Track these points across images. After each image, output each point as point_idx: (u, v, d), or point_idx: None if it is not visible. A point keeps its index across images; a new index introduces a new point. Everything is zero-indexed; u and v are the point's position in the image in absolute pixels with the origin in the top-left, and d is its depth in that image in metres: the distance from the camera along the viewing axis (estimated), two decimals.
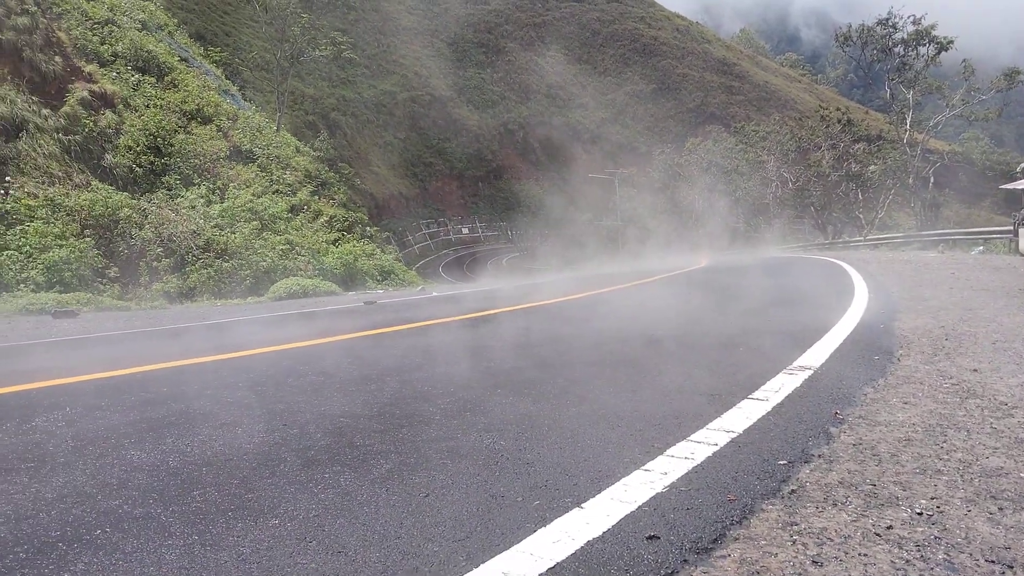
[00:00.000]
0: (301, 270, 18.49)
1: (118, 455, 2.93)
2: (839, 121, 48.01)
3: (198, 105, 23.73)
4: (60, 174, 16.60)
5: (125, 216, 16.44)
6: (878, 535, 1.96)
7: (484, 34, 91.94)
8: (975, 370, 4.20)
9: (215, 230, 18.04)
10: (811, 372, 4.26)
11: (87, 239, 15.21)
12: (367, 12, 76.31)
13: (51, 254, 14.11)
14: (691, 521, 2.09)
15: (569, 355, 5.39)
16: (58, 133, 17.39)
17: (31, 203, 15.16)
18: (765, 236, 54.20)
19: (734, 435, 2.98)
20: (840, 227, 48.57)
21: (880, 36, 39.90)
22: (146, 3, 29.23)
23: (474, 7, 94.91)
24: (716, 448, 2.80)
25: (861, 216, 43.65)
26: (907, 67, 39.54)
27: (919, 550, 1.86)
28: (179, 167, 20.56)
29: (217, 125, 23.75)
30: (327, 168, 31.33)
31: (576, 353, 5.50)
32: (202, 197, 19.66)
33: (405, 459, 2.78)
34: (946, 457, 2.64)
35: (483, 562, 1.84)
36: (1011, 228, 22.13)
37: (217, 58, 36.85)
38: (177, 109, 22.69)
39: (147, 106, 21.49)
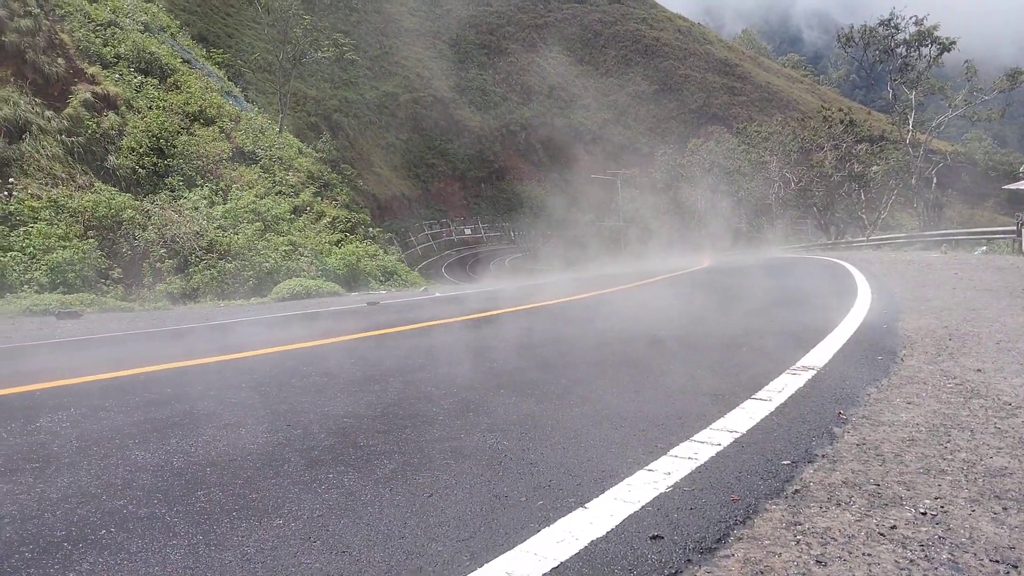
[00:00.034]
0: (304, 271, 18.51)
1: (122, 455, 2.93)
2: (841, 122, 47.98)
3: (201, 107, 23.78)
4: (63, 175, 16.64)
5: (128, 217, 16.48)
6: (882, 535, 1.96)
7: (486, 35, 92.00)
8: (979, 370, 4.20)
9: (218, 231, 18.07)
10: (814, 372, 4.26)
11: (90, 240, 15.24)
12: (369, 14, 76.37)
13: (55, 255, 14.14)
14: (695, 521, 2.09)
15: (572, 355, 5.39)
16: (61, 135, 17.44)
17: (35, 204, 15.20)
18: (768, 237, 54.17)
19: (738, 435, 2.98)
20: (843, 227, 48.53)
21: (882, 37, 39.85)
22: (148, 5, 29.31)
23: (476, 8, 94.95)
24: (720, 448, 2.79)
25: (864, 216, 43.58)
26: (909, 68, 39.48)
27: (923, 550, 1.86)
28: (182, 168, 20.60)
29: (220, 126, 23.79)
30: (329, 169, 31.38)
31: (579, 353, 5.50)
32: (205, 198, 19.69)
33: (409, 459, 2.78)
34: (950, 457, 2.63)
35: (487, 562, 1.84)
36: (1014, 228, 22.08)
37: (219, 60, 36.91)
38: (180, 111, 22.74)
39: (150, 108, 21.54)
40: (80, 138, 17.85)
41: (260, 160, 24.04)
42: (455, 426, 3.30)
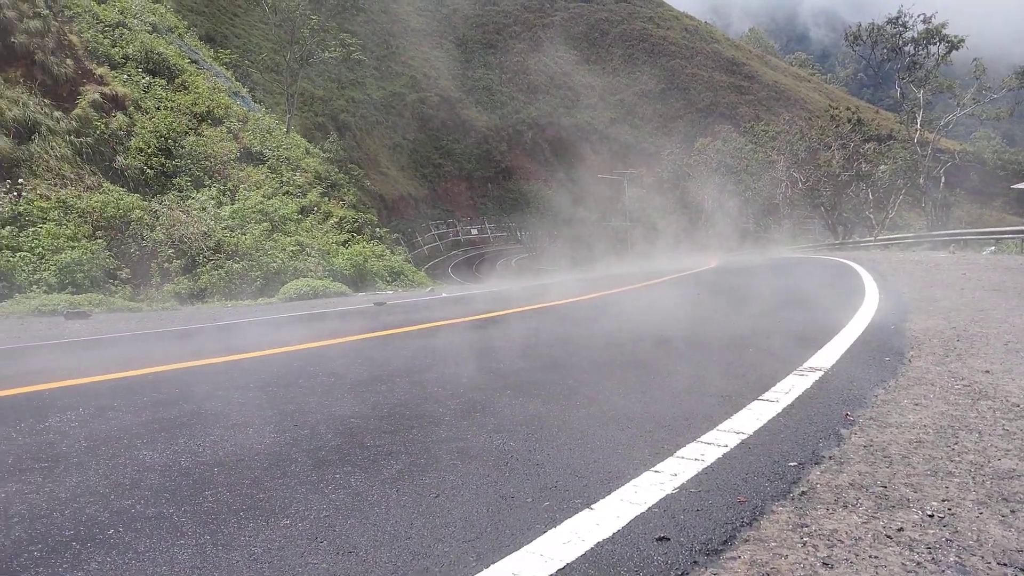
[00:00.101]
0: (311, 271, 18.55)
1: (131, 455, 2.95)
2: (849, 121, 47.77)
3: (208, 107, 23.85)
4: (72, 176, 16.72)
5: (136, 218, 16.54)
6: (889, 537, 1.96)
7: (492, 35, 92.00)
8: (987, 371, 4.18)
9: (226, 231, 18.13)
10: (822, 373, 4.25)
11: (99, 240, 15.31)
12: (376, 14, 76.40)
13: (63, 255, 14.21)
14: (701, 522, 2.09)
15: (578, 356, 5.40)
16: (70, 135, 17.52)
17: (43, 205, 15.27)
18: (775, 236, 54.03)
19: (744, 436, 2.97)
20: (850, 227, 48.34)
21: (890, 35, 39.73)
22: (156, 6, 29.42)
23: (482, 8, 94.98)
24: (726, 449, 2.79)
25: (871, 216, 43.42)
26: (917, 66, 39.33)
27: (930, 552, 1.86)
28: (190, 169, 20.67)
29: (227, 127, 23.86)
30: (337, 169, 31.39)
31: (585, 354, 5.50)
32: (213, 199, 19.76)
33: (415, 460, 2.79)
34: (957, 459, 2.63)
35: (493, 563, 1.85)
36: (1023, 228, 21.96)
37: (227, 60, 36.97)
38: (187, 111, 22.82)
39: (158, 108, 21.62)
40: (88, 139, 17.93)
41: (267, 160, 24.10)
42: (462, 427, 3.30)
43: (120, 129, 19.16)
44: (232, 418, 3.58)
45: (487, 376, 4.60)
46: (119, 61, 21.95)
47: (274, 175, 23.55)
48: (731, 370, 4.55)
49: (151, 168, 19.42)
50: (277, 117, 33.02)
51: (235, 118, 24.81)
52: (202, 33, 40.69)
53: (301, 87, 41.13)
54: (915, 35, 39.00)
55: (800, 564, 1.81)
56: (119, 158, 18.58)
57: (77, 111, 18.24)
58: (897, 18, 39.31)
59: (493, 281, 32.52)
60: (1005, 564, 1.78)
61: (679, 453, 2.76)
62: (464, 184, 70.59)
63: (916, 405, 3.48)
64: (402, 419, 3.48)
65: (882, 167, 43.45)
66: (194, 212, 18.29)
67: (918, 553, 1.85)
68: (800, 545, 1.92)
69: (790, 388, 3.88)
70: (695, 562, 1.84)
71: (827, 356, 4.82)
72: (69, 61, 19.07)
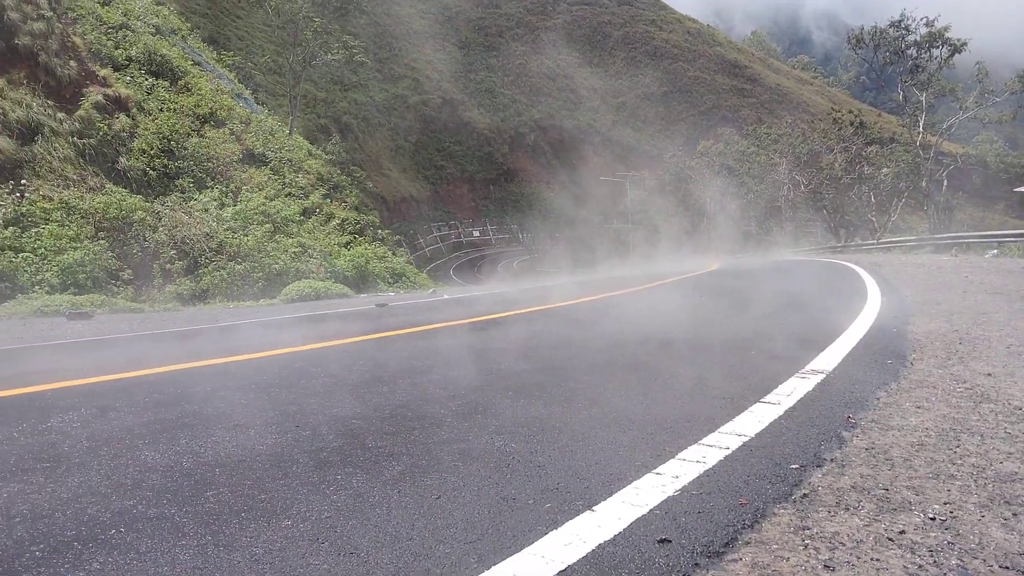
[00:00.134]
0: (313, 272, 18.56)
1: (132, 456, 2.95)
2: (851, 124, 47.75)
3: (211, 109, 23.88)
4: (75, 177, 16.75)
5: (139, 219, 16.56)
6: (891, 540, 1.96)
7: (495, 37, 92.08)
8: (989, 374, 4.18)
9: (228, 233, 18.15)
10: (823, 376, 4.25)
11: (101, 241, 15.32)
12: (378, 16, 76.51)
13: (66, 256, 14.23)
14: (702, 525, 2.09)
15: (580, 358, 5.39)
16: (73, 136, 17.55)
17: (46, 206, 15.30)
18: (777, 239, 54.03)
19: (746, 439, 2.97)
20: (853, 230, 48.32)
21: (893, 38, 39.67)
22: (160, 8, 29.46)
23: (485, 10, 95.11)
24: (728, 452, 2.79)
25: (874, 219, 43.37)
26: (920, 69, 39.27)
27: (932, 555, 1.86)
28: (192, 170, 20.68)
29: (230, 128, 23.89)
30: (339, 171, 31.43)
31: (587, 356, 5.50)
32: (215, 200, 19.77)
33: (417, 461, 2.79)
34: (959, 462, 2.62)
35: (494, 564, 1.85)
36: None
37: (230, 62, 37.03)
38: (190, 113, 22.85)
39: (161, 110, 21.65)
40: (91, 140, 17.96)
41: (270, 162, 24.13)
42: (463, 428, 3.31)
43: (123, 130, 19.19)
44: (234, 419, 3.58)
45: (488, 378, 4.60)
46: (122, 63, 21.98)
47: (276, 177, 23.58)
48: (733, 372, 4.55)
49: (154, 169, 19.44)
50: (279, 119, 33.06)
51: (238, 120, 24.84)
52: (205, 35, 40.75)
53: (303, 89, 41.15)
54: (918, 38, 38.94)
55: (801, 566, 1.80)
56: (122, 159, 18.61)
57: (80, 112, 18.27)
58: (900, 21, 39.27)
59: (495, 283, 32.52)
60: (1007, 567, 1.78)
61: (680, 455, 2.76)
62: (466, 186, 70.61)
63: (918, 408, 3.47)
64: (403, 420, 3.49)
65: (884, 170, 43.44)
66: (196, 213, 18.31)
67: (920, 556, 1.85)
68: (801, 547, 1.92)
69: (792, 390, 3.88)
70: (696, 564, 1.84)
71: (829, 359, 4.82)
72: (72, 63, 19.11)
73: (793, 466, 2.61)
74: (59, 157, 16.72)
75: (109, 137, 18.61)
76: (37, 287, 13.50)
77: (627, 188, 59.09)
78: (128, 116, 19.82)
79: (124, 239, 16.03)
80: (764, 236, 56.81)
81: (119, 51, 22.32)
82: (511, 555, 1.90)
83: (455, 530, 2.09)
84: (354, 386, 4.41)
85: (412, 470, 2.67)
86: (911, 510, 2.17)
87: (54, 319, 11.34)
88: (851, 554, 1.87)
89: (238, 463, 2.82)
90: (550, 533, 2.04)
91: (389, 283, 21.93)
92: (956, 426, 3.12)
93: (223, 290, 16.39)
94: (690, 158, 66.33)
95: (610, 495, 2.34)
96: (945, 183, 41.99)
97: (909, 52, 39.52)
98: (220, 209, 19.38)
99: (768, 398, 3.72)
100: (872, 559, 1.84)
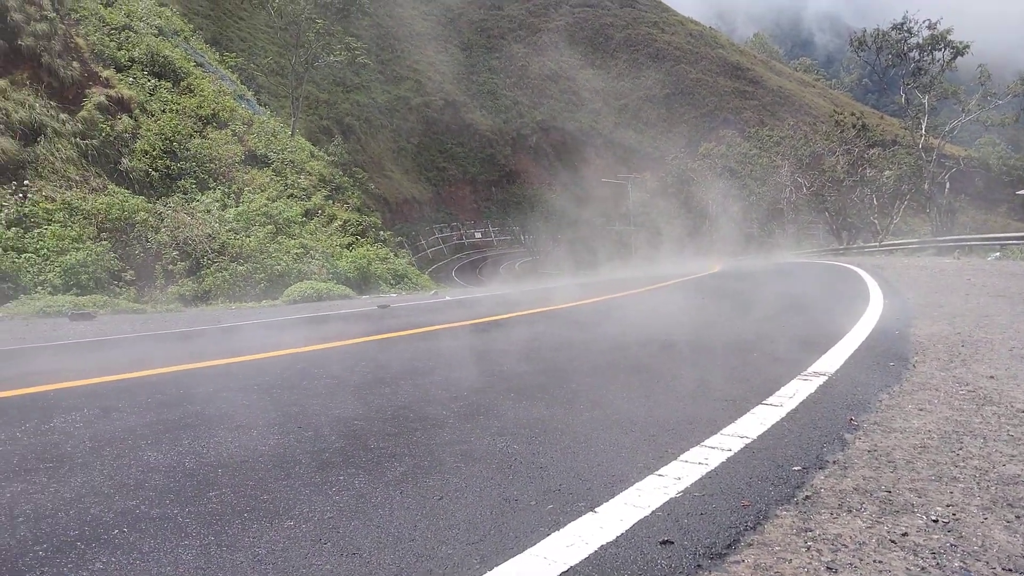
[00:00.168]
0: (315, 274, 18.57)
1: (135, 456, 2.96)
2: (854, 126, 47.77)
3: (213, 110, 23.91)
4: (77, 178, 16.77)
5: (141, 220, 16.58)
6: (893, 542, 1.95)
7: (497, 39, 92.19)
8: (992, 377, 4.17)
9: (230, 234, 18.16)
10: (826, 378, 4.25)
11: (104, 242, 15.34)
12: (381, 17, 76.62)
13: (68, 257, 14.24)
14: (705, 526, 2.09)
15: (582, 360, 5.39)
16: (75, 137, 17.57)
17: (49, 206, 15.32)
18: (779, 241, 54.02)
19: (748, 441, 2.97)
20: (855, 232, 48.31)
21: (895, 41, 39.66)
22: (162, 9, 29.51)
23: (487, 12, 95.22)
24: (730, 454, 2.79)
25: (876, 221, 43.37)
26: (922, 72, 39.26)
27: (935, 557, 1.85)
28: (195, 171, 20.70)
29: (232, 130, 23.91)
30: (341, 172, 31.47)
31: (589, 358, 5.50)
32: (217, 201, 19.79)
33: (419, 462, 2.79)
34: (962, 464, 2.62)
35: (496, 565, 1.85)
36: None
37: (232, 63, 37.09)
38: (193, 114, 22.88)
39: (163, 111, 21.68)
40: (94, 141, 17.98)
41: (272, 163, 24.15)
42: (465, 429, 3.31)
43: (125, 131, 19.21)
44: (236, 420, 3.58)
45: (490, 379, 4.60)
46: (125, 64, 22.02)
47: (279, 178, 23.60)
48: (735, 374, 4.55)
49: (156, 170, 19.46)
50: (282, 120, 33.12)
51: (240, 121, 24.87)
52: (208, 36, 40.83)
53: (306, 90, 41.22)
54: (920, 41, 38.93)
55: (804, 568, 1.80)
56: (124, 160, 18.63)
57: (83, 113, 18.29)
58: (902, 24, 39.26)
59: (496, 285, 32.53)
60: (1010, 570, 1.78)
61: (683, 457, 2.76)
62: (468, 187, 70.70)
63: (921, 410, 3.47)
64: (406, 421, 3.49)
65: (887, 172, 43.44)
66: (199, 214, 18.33)
67: (922, 558, 1.85)
68: (804, 549, 1.92)
69: (794, 393, 3.88)
70: (699, 566, 1.84)
71: (831, 361, 4.82)
72: (75, 64, 19.14)
73: (795, 468, 2.61)
74: (62, 158, 16.75)
75: (112, 138, 18.63)
76: (40, 288, 13.52)
77: (629, 190, 59.10)
78: (131, 117, 19.85)
79: (126, 240, 16.05)
80: (766, 238, 56.81)
81: (122, 52, 22.36)
82: (513, 556, 1.90)
83: (457, 531, 2.09)
84: (356, 387, 4.41)
85: (414, 471, 2.67)
86: (914, 512, 2.17)
87: (56, 320, 11.35)
88: (853, 556, 1.87)
89: (240, 464, 2.82)
90: (552, 534, 2.04)
91: (391, 284, 21.94)
92: (959, 428, 3.12)
93: (225, 291, 16.40)
94: (692, 160, 66.38)
95: (612, 496, 2.34)
96: (947, 186, 41.96)
97: (911, 55, 39.52)
98: (222, 210, 19.39)
99: (770, 400, 3.72)
100: (875, 561, 1.84)
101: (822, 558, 1.86)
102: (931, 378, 4.22)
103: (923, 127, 39.64)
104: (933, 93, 39.21)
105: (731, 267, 28.48)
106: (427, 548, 1.97)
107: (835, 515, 2.16)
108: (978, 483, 2.41)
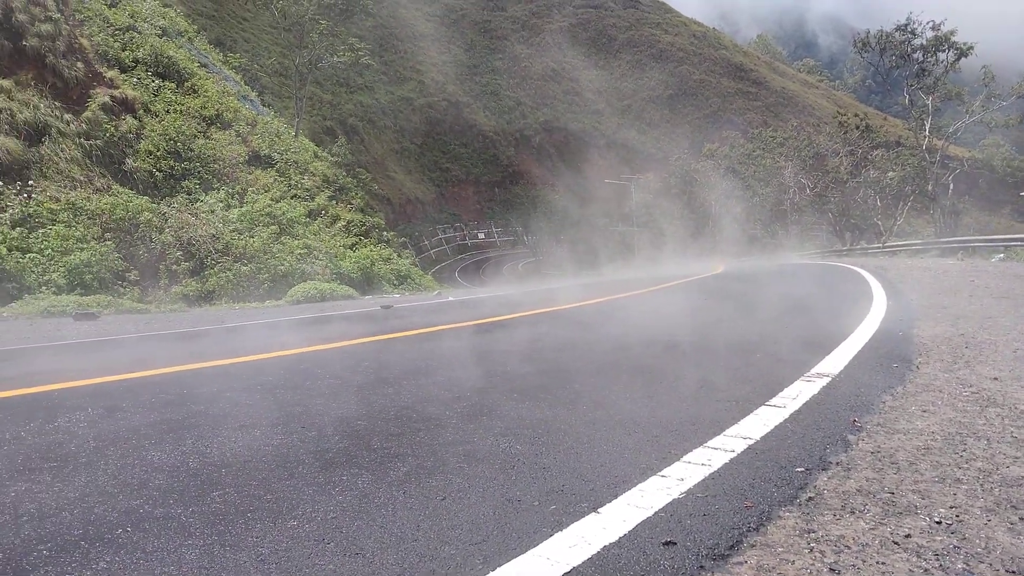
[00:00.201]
0: (319, 274, 18.58)
1: (139, 456, 2.96)
2: (857, 127, 47.74)
3: (217, 110, 23.94)
4: (81, 178, 16.80)
5: (145, 220, 16.61)
6: (896, 543, 1.95)
7: (500, 40, 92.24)
8: (995, 378, 4.17)
9: (234, 234, 18.18)
10: (829, 379, 4.24)
11: (108, 242, 15.36)
12: (384, 19, 76.72)
13: (72, 257, 14.27)
14: (708, 527, 2.08)
15: (584, 360, 5.39)
16: (80, 138, 17.61)
17: (53, 207, 15.35)
18: (782, 242, 53.97)
19: (751, 442, 2.97)
20: (858, 233, 48.26)
21: (899, 42, 39.64)
22: (167, 10, 29.55)
23: (490, 13, 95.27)
24: (733, 455, 2.79)
25: (879, 223, 43.32)
26: (926, 73, 39.23)
27: (938, 559, 1.85)
28: (198, 172, 20.73)
29: (236, 130, 23.93)
30: (345, 173, 31.49)
31: (591, 358, 5.50)
32: (221, 201, 19.81)
33: (422, 462, 2.79)
34: (966, 466, 2.62)
35: (499, 565, 1.85)
36: None
37: (236, 64, 37.11)
38: (197, 114, 22.90)
39: (167, 111, 21.71)
40: (98, 141, 18.02)
41: (276, 164, 24.17)
42: (468, 430, 3.31)
43: (130, 132, 19.25)
44: (239, 419, 3.59)
45: (493, 380, 4.60)
46: (129, 64, 22.05)
47: (282, 178, 23.62)
48: (738, 375, 4.54)
49: (160, 171, 19.50)
50: (286, 121, 33.15)
51: (244, 122, 24.89)
52: (212, 37, 40.90)
53: (310, 91, 41.29)
54: (924, 42, 38.90)
55: (807, 570, 1.80)
56: (128, 161, 18.67)
57: (87, 114, 18.34)
58: (906, 25, 39.24)
59: (499, 285, 32.53)
60: (1014, 572, 1.78)
61: (686, 458, 2.76)
62: (471, 188, 70.78)
63: (924, 412, 3.46)
64: (408, 422, 3.49)
65: (890, 174, 43.40)
66: (203, 215, 18.35)
67: (926, 560, 1.85)
68: (807, 551, 1.91)
69: (797, 394, 3.87)
70: (702, 567, 1.84)
71: (835, 362, 4.81)
72: (80, 64, 19.19)
73: (798, 469, 2.61)
74: (66, 158, 16.79)
75: (116, 138, 18.67)
76: (44, 288, 13.55)
77: (632, 190, 59.08)
78: (135, 117, 19.89)
79: (130, 240, 16.08)
80: (769, 239, 56.78)
81: (126, 53, 22.38)
82: (516, 556, 1.90)
83: (460, 531, 2.09)
84: (359, 387, 4.41)
85: (417, 471, 2.68)
86: (917, 514, 2.16)
87: (60, 319, 11.38)
88: (857, 557, 1.87)
89: (244, 463, 2.82)
90: (555, 535, 2.04)
91: (394, 285, 21.96)
92: (962, 430, 3.11)
93: (229, 291, 16.42)
94: (695, 161, 66.36)
95: (615, 497, 2.34)
96: (951, 187, 41.92)
97: (915, 56, 39.49)
98: (226, 210, 19.42)
99: (773, 401, 3.72)
100: (878, 563, 1.84)
101: (825, 559, 1.86)
102: (934, 380, 4.21)
103: (927, 128, 39.60)
104: (937, 94, 39.18)
105: (734, 268, 28.46)
106: (430, 548, 1.97)
107: (838, 516, 2.16)
108: (982, 485, 2.41)
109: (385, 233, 27.38)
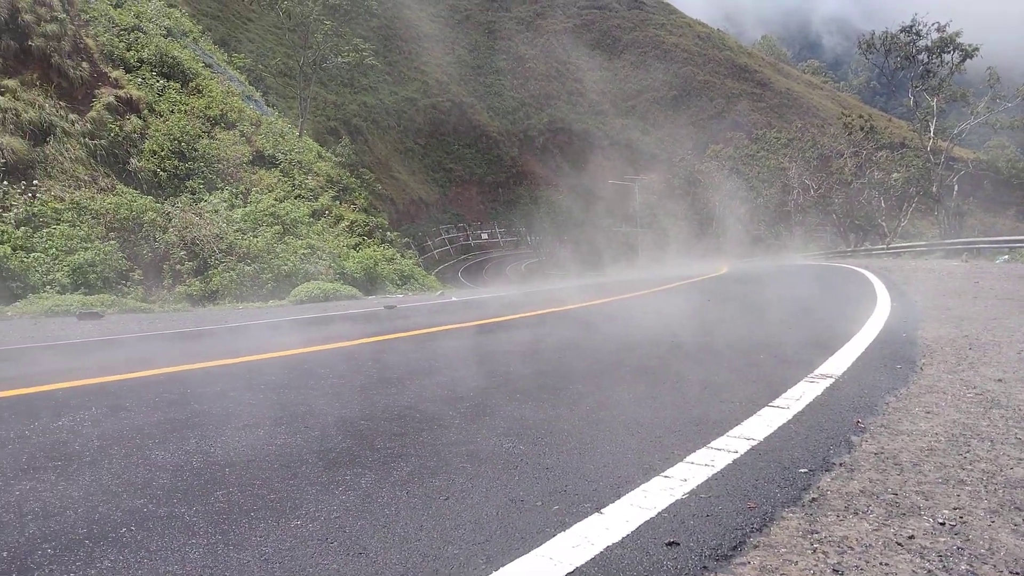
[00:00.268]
0: (322, 274, 18.61)
1: (142, 455, 2.97)
2: (862, 128, 47.64)
3: (222, 111, 23.99)
4: (86, 178, 16.85)
5: (149, 219, 16.64)
6: (900, 544, 1.95)
7: (504, 40, 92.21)
8: (999, 380, 4.15)
9: (238, 234, 18.21)
10: (833, 380, 4.24)
11: (112, 242, 15.40)
12: (389, 19, 76.77)
13: (76, 256, 14.31)
14: (711, 528, 2.08)
15: (588, 361, 5.39)
16: (84, 137, 17.66)
17: (58, 206, 15.39)
18: (786, 243, 53.89)
19: (755, 443, 2.97)
20: (862, 235, 48.19)
21: (904, 43, 39.58)
22: (171, 10, 29.61)
23: (495, 14, 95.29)
24: (736, 455, 2.79)
25: (884, 224, 43.23)
26: (931, 74, 39.17)
27: (941, 560, 1.85)
28: (203, 172, 20.78)
29: (240, 130, 23.98)
30: (348, 173, 31.54)
31: (595, 359, 5.50)
32: (225, 201, 19.85)
33: (425, 462, 2.80)
34: (969, 467, 2.61)
35: (502, 565, 1.85)
36: None
37: (241, 64, 37.21)
38: (201, 114, 22.95)
39: (172, 111, 21.76)
40: (103, 141, 18.07)
41: (280, 164, 24.22)
42: (471, 430, 3.31)
43: (134, 132, 19.30)
44: (243, 419, 3.59)
45: (496, 380, 4.61)
46: (134, 64, 22.11)
47: (286, 178, 23.66)
48: (742, 376, 4.54)
49: (164, 171, 19.54)
50: (290, 121, 33.21)
51: (248, 122, 24.95)
52: (216, 38, 40.97)
53: (314, 91, 41.36)
54: (929, 43, 38.84)
55: (810, 570, 1.80)
56: (133, 160, 18.72)
57: (92, 114, 18.38)
58: (911, 26, 39.18)
59: (502, 285, 32.52)
60: (1017, 573, 1.77)
61: (689, 458, 2.76)
62: (475, 188, 70.74)
63: (928, 413, 3.46)
64: (411, 421, 3.49)
65: (895, 175, 43.34)
66: (206, 215, 18.39)
67: (929, 561, 1.85)
68: (810, 552, 1.91)
69: (801, 394, 3.87)
70: (705, 567, 1.84)
71: (838, 363, 4.81)
72: (85, 64, 19.24)
73: (802, 470, 2.61)
74: (71, 158, 16.83)
75: (120, 138, 18.72)
76: (48, 287, 13.59)
77: (635, 191, 59.04)
78: (139, 117, 19.94)
79: (134, 240, 16.11)
80: (773, 240, 56.70)
81: (131, 53, 22.44)
82: (519, 556, 1.90)
83: (463, 531, 2.09)
84: (363, 387, 4.42)
85: (420, 471, 2.68)
86: (920, 515, 2.16)
87: (65, 319, 11.40)
88: (860, 558, 1.86)
89: (247, 463, 2.83)
90: (558, 535, 2.04)
91: (397, 285, 21.99)
92: (966, 431, 3.10)
93: (232, 291, 16.45)
94: (699, 162, 66.34)
95: (618, 497, 2.34)
96: (956, 188, 41.83)
97: (920, 57, 39.44)
98: (230, 210, 19.45)
99: (777, 402, 3.72)
100: (881, 564, 1.83)
101: (828, 560, 1.86)
102: (938, 381, 4.21)
103: (931, 130, 39.53)
104: (942, 96, 39.11)
105: (738, 269, 28.43)
106: (433, 548, 1.98)
107: (841, 517, 2.15)
108: (985, 486, 2.40)
109: (388, 233, 27.42)
